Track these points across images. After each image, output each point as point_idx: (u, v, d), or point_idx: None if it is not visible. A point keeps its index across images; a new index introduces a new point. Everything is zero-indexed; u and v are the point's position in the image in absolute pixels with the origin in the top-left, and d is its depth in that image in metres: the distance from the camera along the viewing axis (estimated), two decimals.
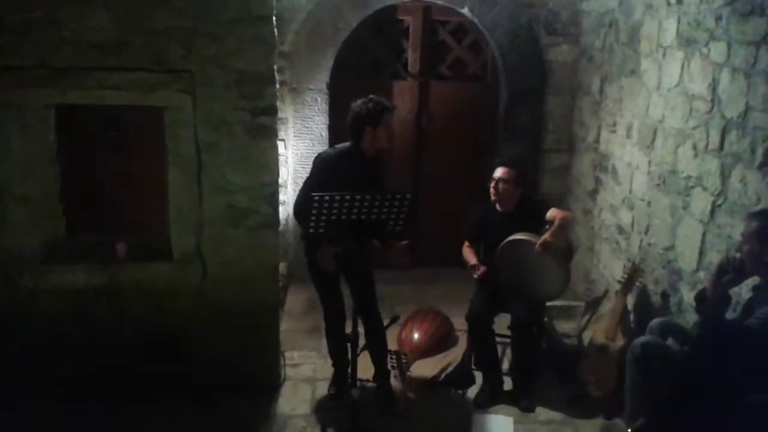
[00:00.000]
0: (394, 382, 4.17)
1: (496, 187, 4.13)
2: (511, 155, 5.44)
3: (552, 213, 4.01)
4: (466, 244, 4.34)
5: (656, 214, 4.23)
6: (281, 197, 5.05)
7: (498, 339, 4.23)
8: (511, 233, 4.01)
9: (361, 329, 3.53)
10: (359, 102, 3.67)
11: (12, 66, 3.53)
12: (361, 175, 3.61)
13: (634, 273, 4.13)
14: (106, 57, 3.57)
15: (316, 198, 3.17)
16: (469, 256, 4.27)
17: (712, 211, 3.56)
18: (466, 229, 4.41)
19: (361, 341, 3.56)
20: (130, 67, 3.59)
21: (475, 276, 4.15)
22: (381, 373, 4.07)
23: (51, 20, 3.50)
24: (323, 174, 3.67)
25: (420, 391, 4.20)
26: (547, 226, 3.95)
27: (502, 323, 4.24)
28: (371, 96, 3.71)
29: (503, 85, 5.86)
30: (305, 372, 4.36)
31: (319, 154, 3.84)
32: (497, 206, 4.21)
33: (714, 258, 3.48)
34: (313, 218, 3.20)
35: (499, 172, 4.14)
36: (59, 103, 3.74)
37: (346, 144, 3.76)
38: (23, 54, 3.53)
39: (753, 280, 3.01)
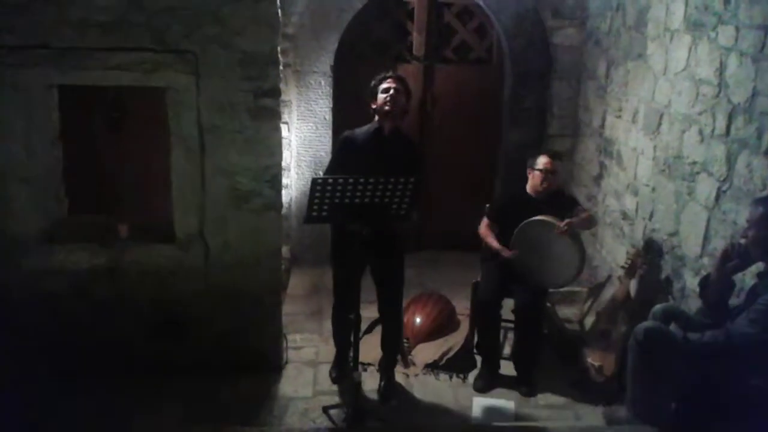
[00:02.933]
0: (397, 370, 4.18)
1: (545, 177, 4.16)
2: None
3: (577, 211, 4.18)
4: (486, 222, 4.31)
5: (661, 200, 4.21)
6: (284, 180, 5.03)
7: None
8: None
9: (368, 314, 3.50)
10: None
11: (13, 45, 3.50)
12: (380, 152, 3.62)
13: (637, 259, 4.12)
14: (108, 37, 3.54)
15: (319, 181, 3.15)
16: (490, 237, 4.23)
17: (717, 197, 3.54)
18: (479, 212, 4.38)
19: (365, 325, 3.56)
20: (132, 47, 3.56)
21: (504, 256, 4.08)
22: (387, 362, 4.06)
23: None
24: (342, 153, 3.75)
25: (421, 375, 4.21)
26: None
27: (504, 308, 4.22)
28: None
29: (508, 69, 5.81)
30: (307, 355, 4.37)
31: (341, 134, 3.88)
32: (528, 190, 4.25)
33: (718, 244, 3.47)
34: (316, 202, 3.19)
35: (548, 163, 4.18)
36: (61, 83, 3.72)
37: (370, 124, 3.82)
38: (24, 34, 3.50)
39: (757, 267, 3.00)
